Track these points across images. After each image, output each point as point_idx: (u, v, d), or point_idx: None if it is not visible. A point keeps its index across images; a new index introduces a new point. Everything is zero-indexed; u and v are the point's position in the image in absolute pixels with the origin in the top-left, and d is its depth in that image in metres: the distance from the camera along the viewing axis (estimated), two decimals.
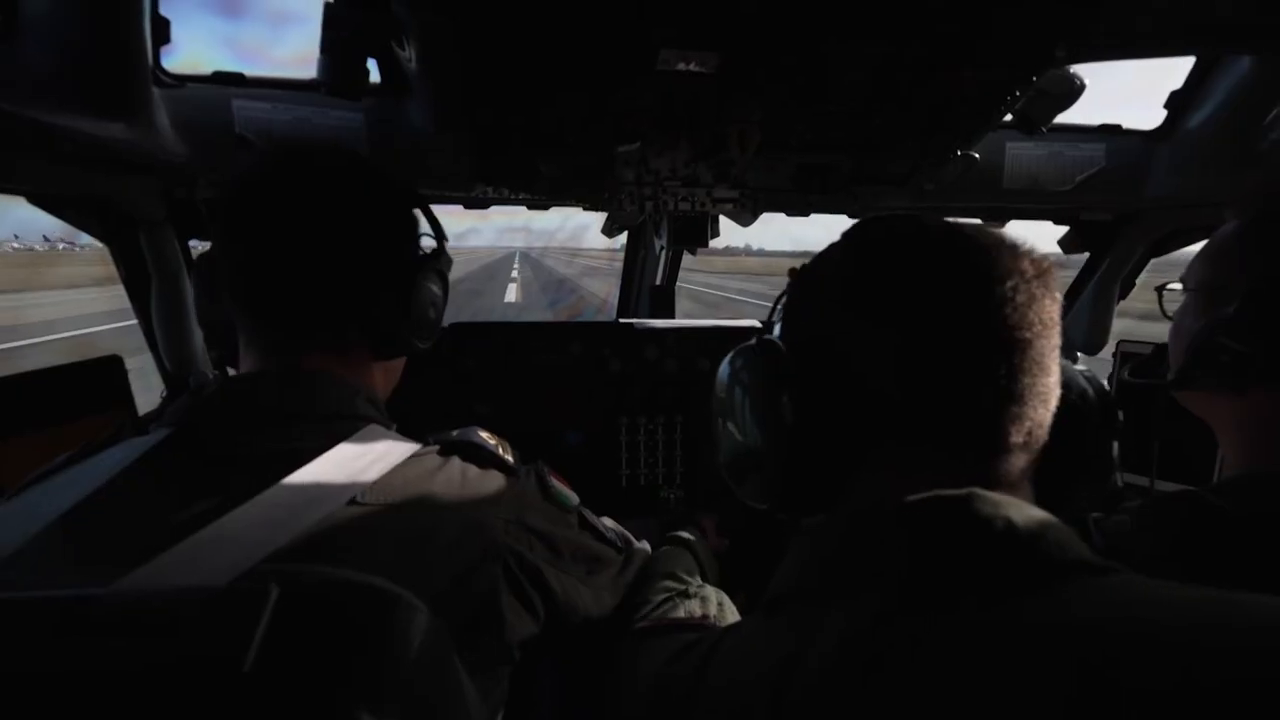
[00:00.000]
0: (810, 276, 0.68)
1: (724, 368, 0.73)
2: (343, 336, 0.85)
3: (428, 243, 0.95)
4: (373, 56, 1.07)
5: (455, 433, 0.86)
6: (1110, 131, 1.64)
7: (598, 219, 1.90)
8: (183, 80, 1.26)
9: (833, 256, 0.67)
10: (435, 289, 0.93)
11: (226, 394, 0.78)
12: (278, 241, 0.80)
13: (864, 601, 0.53)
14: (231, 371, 0.87)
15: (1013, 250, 0.59)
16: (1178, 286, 0.93)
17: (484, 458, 0.84)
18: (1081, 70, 1.22)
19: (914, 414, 0.59)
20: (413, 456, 0.78)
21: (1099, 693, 0.40)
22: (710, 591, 1.03)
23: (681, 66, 0.98)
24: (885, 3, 0.84)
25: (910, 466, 0.59)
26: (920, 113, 1.15)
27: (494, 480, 0.83)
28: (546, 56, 0.97)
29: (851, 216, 1.79)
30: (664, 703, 0.69)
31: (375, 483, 0.71)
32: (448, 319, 1.10)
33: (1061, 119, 1.32)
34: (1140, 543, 0.83)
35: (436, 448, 0.82)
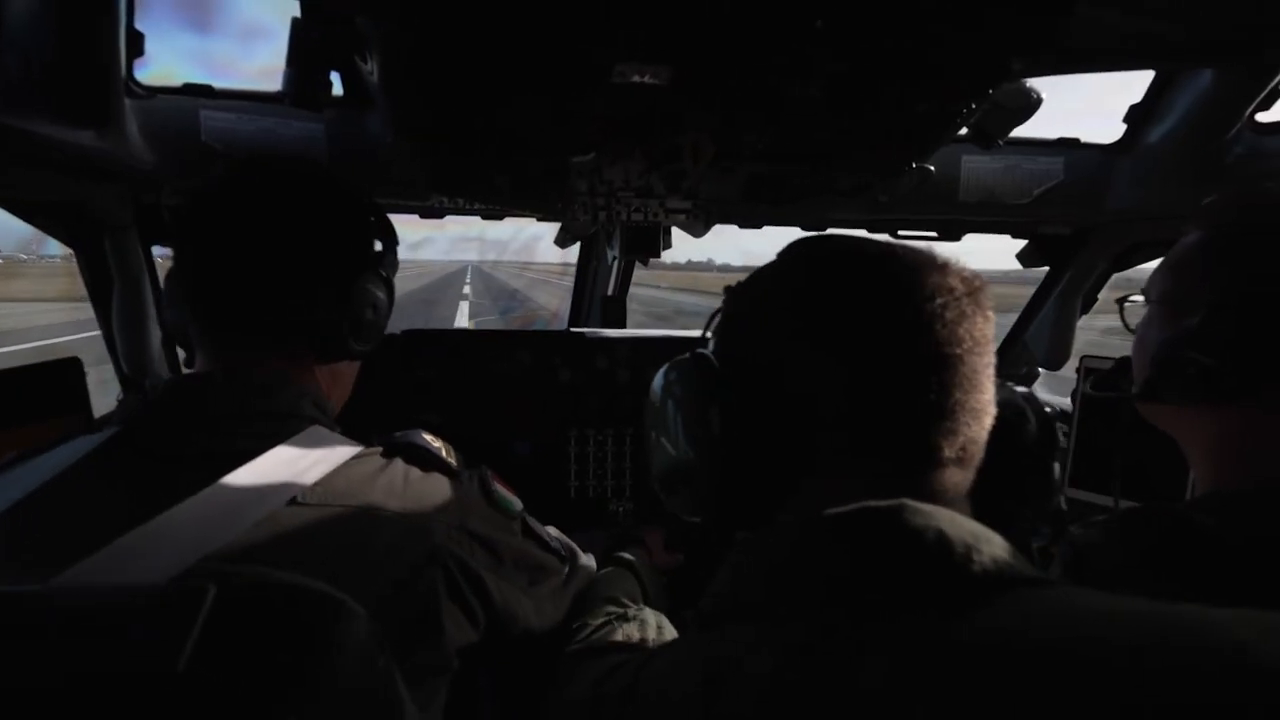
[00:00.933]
0: (745, 294, 0.69)
1: (657, 380, 0.73)
2: (289, 340, 0.86)
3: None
4: (336, 69, 1.09)
5: (399, 434, 0.86)
6: (1069, 145, 1.64)
7: (550, 230, 1.90)
8: (153, 91, 1.32)
9: (767, 274, 0.67)
10: (379, 293, 0.93)
11: (174, 394, 0.80)
12: (226, 246, 0.82)
13: (797, 615, 0.53)
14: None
15: (943, 268, 0.60)
16: (1140, 299, 0.91)
17: (427, 460, 0.84)
18: (1039, 84, 1.18)
19: (845, 429, 0.59)
20: (355, 458, 0.78)
21: (1033, 713, 0.40)
22: (649, 615, 1.01)
23: (636, 78, 0.95)
24: (838, 19, 0.81)
25: (842, 481, 0.59)
26: (874, 125, 1.12)
27: (437, 483, 0.83)
28: (504, 68, 0.95)
29: (805, 229, 1.78)
30: None
31: (316, 484, 0.72)
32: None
33: (1019, 132, 1.29)
34: (1110, 555, 0.80)
35: (379, 449, 0.83)
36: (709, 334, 0.73)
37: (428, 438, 0.87)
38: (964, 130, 1.20)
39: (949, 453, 0.58)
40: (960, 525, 0.53)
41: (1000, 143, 1.30)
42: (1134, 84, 1.43)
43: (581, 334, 1.81)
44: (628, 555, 1.28)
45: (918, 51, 0.89)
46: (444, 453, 0.86)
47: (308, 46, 1.00)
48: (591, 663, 0.83)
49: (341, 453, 0.77)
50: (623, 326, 2.07)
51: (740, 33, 0.86)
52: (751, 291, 0.68)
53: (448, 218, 1.76)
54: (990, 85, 1.00)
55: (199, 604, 0.49)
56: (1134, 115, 1.54)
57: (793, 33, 0.85)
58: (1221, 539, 0.75)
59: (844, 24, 0.83)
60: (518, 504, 0.95)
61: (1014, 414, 0.70)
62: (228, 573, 0.56)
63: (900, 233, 1.78)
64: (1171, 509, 0.81)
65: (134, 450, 0.73)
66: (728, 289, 0.71)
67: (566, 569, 1.06)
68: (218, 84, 1.39)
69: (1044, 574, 0.52)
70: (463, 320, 19.91)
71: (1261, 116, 1.35)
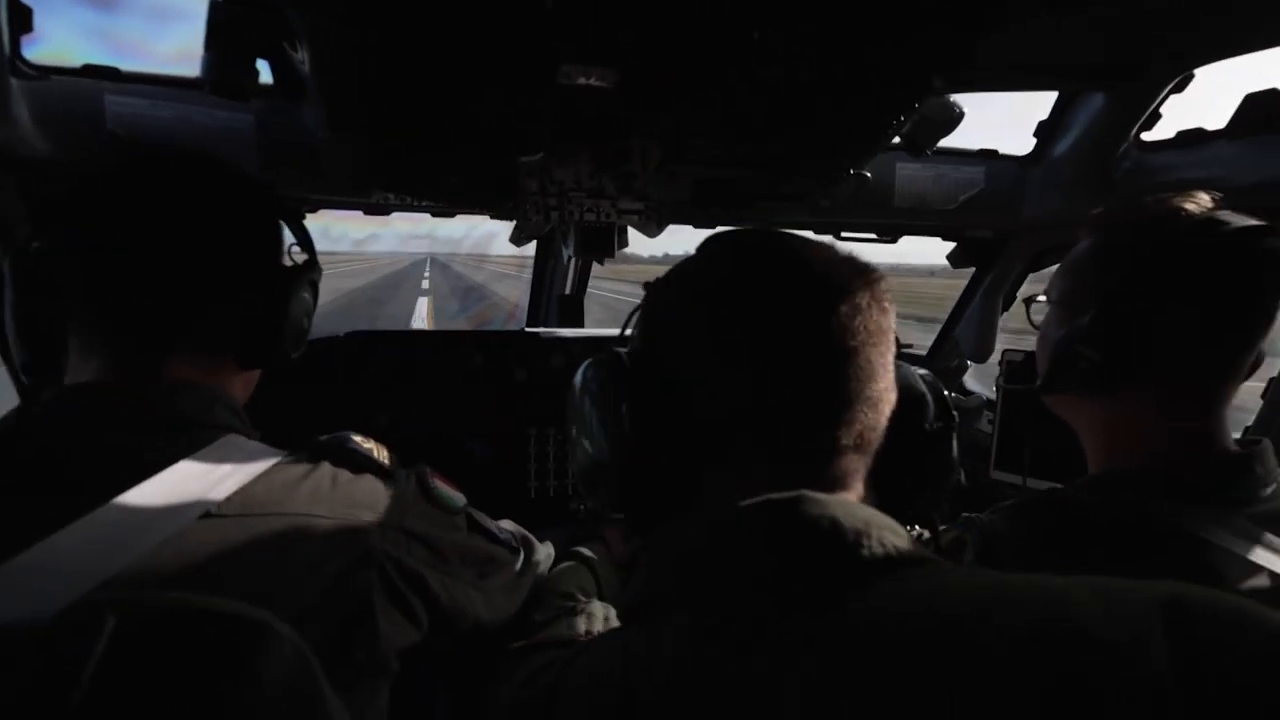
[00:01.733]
0: (659, 289, 0.71)
1: (575, 378, 0.74)
2: (203, 344, 0.82)
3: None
4: (263, 57, 1.03)
5: (326, 438, 0.82)
6: (988, 156, 1.76)
7: (505, 227, 1.89)
8: (47, 72, 1.19)
9: (679, 270, 0.70)
10: (306, 297, 0.91)
11: (66, 403, 0.73)
12: (133, 244, 0.77)
13: (706, 604, 0.55)
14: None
15: (844, 263, 0.64)
16: (1044, 299, 1.01)
17: (357, 462, 0.80)
18: (963, 100, 1.31)
19: (748, 423, 0.61)
20: (277, 465, 0.74)
21: (913, 689, 0.43)
22: (598, 608, 1.04)
23: (582, 81, 0.99)
24: (775, 33, 0.88)
25: (748, 472, 0.61)
26: (813, 134, 1.20)
27: (368, 485, 0.79)
28: (445, 66, 0.96)
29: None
30: None
31: (233, 494, 0.67)
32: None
33: (947, 143, 1.41)
34: (1014, 540, 0.89)
35: (304, 454, 0.78)
36: (629, 330, 0.75)
37: (357, 439, 0.83)
38: (897, 140, 1.32)
39: (846, 440, 0.61)
40: (854, 512, 0.56)
41: (929, 152, 1.41)
42: (1047, 100, 1.57)
43: (537, 333, 1.81)
44: (584, 551, 1.29)
45: (850, 66, 0.98)
46: (376, 453, 0.83)
47: (229, 31, 0.95)
48: (528, 658, 0.84)
49: (262, 460, 0.73)
50: (580, 325, 2.08)
51: (685, 42, 0.91)
52: (665, 287, 0.70)
53: (395, 214, 1.73)
54: (916, 99, 1.11)
55: (95, 636, 0.46)
56: (1042, 131, 1.67)
57: (734, 45, 0.91)
58: (1103, 515, 0.85)
59: (780, 38, 0.90)
60: (460, 499, 0.93)
61: (913, 397, 0.73)
62: (128, 600, 0.50)
63: (843, 235, 1.87)
64: (1065, 492, 0.91)
65: (18, 467, 0.66)
66: (646, 285, 0.73)
67: (520, 559, 1.05)
68: (125, 66, 1.27)
69: (931, 555, 0.56)
70: (421, 318, 18.96)
71: (1147, 135, 1.50)
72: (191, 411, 0.76)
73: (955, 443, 0.77)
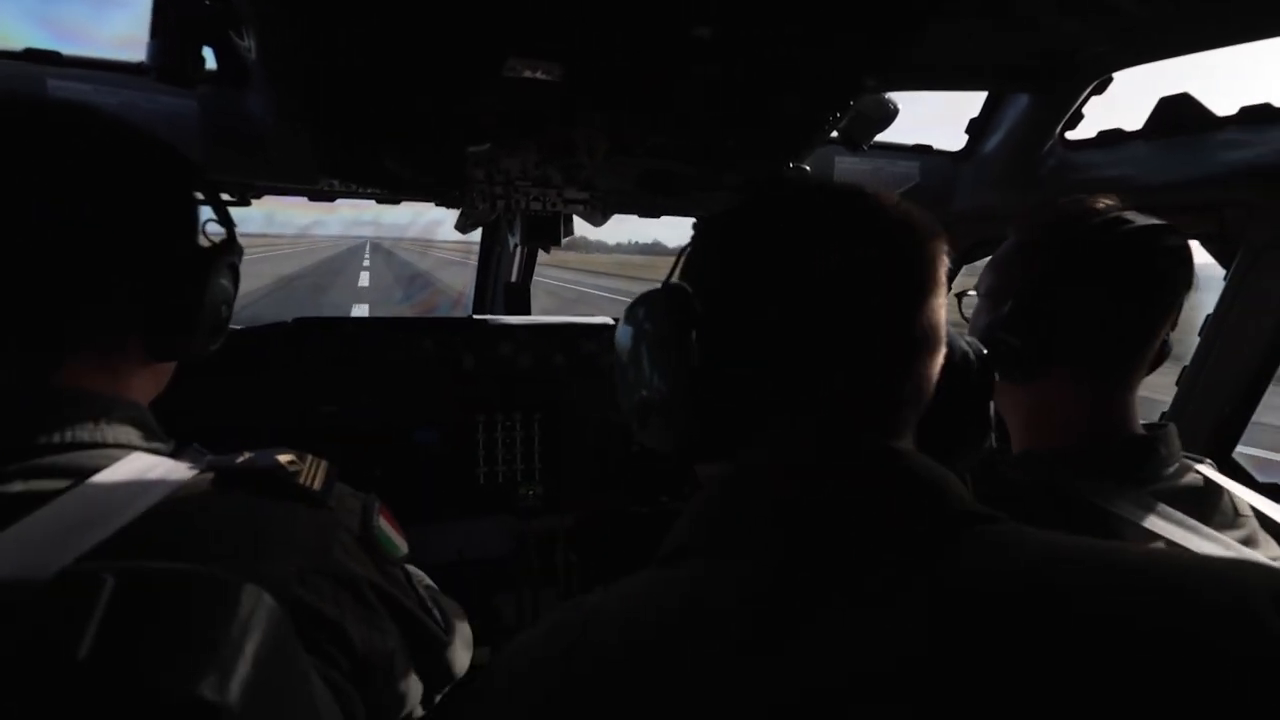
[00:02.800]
0: (715, 229, 0.69)
1: (628, 314, 0.71)
2: (102, 336, 0.71)
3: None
4: (208, 44, 1.01)
5: (246, 456, 0.70)
6: (923, 151, 1.83)
7: (450, 214, 1.88)
8: None
9: (741, 210, 0.67)
10: (224, 283, 0.81)
11: None
12: (13, 218, 0.65)
13: (772, 552, 0.52)
14: None
15: (915, 209, 0.62)
16: (974, 293, 1.07)
17: (277, 487, 0.68)
18: (898, 97, 1.36)
19: (814, 365, 0.59)
20: (176, 492, 0.63)
21: (1023, 653, 0.42)
22: None
23: (528, 74, 1.00)
24: (714, 31, 0.91)
25: (812, 416, 0.59)
26: (754, 129, 1.24)
27: (290, 516, 0.68)
28: (390, 56, 0.96)
29: (699, 219, 1.88)
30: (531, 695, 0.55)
31: (114, 536, 0.56)
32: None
33: (884, 137, 1.46)
34: None
35: (212, 476, 0.66)
36: (676, 273, 0.71)
37: (286, 458, 0.71)
38: (835, 134, 1.36)
39: (908, 391, 0.60)
40: (928, 464, 0.55)
41: (865, 147, 1.47)
42: (979, 97, 1.63)
43: (484, 321, 1.81)
44: None
45: (785, 64, 1.02)
46: (305, 475, 0.71)
47: (174, 18, 0.94)
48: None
49: (156, 488, 0.62)
50: (527, 313, 2.09)
51: (627, 38, 0.93)
52: (727, 226, 0.68)
53: (339, 200, 1.70)
54: (850, 96, 1.15)
55: (97, 592, 0.46)
56: (973, 128, 1.74)
57: (675, 42, 0.94)
58: (1018, 483, 0.92)
59: (718, 37, 0.93)
60: (402, 548, 0.80)
61: (959, 356, 0.71)
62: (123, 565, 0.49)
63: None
64: (992, 468, 0.97)
65: None
66: (696, 223, 0.71)
67: (450, 641, 0.87)
68: (66, 51, 1.25)
69: (996, 512, 0.53)
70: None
71: (1071, 134, 1.58)
72: (76, 431, 0.64)
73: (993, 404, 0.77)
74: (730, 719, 0.45)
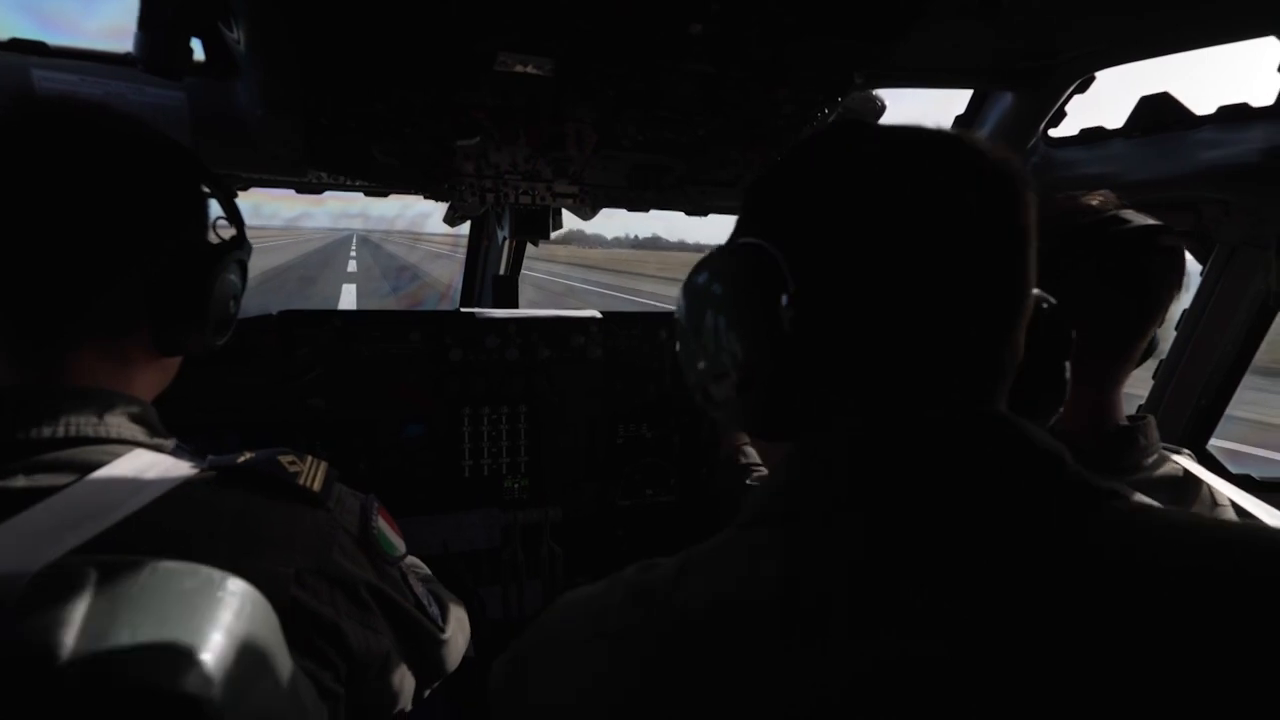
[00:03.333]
0: (794, 178, 0.60)
1: (697, 276, 0.64)
2: (110, 331, 0.72)
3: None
4: (196, 36, 1.01)
5: (247, 455, 0.71)
6: None
7: (439, 207, 1.88)
8: None
9: (817, 157, 0.59)
10: (232, 278, 0.81)
11: None
12: (25, 213, 0.66)
13: (892, 516, 0.48)
14: None
15: (1005, 153, 0.56)
16: None
17: (277, 487, 0.69)
18: (884, 93, 1.37)
19: (919, 327, 0.54)
20: (177, 488, 0.64)
21: (1175, 635, 0.39)
22: None
23: (519, 69, 1.00)
24: (705, 27, 0.92)
25: (913, 382, 0.54)
26: (741, 124, 1.25)
27: (287, 515, 0.69)
28: (381, 49, 0.96)
29: (689, 214, 1.89)
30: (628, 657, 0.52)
31: (116, 526, 0.57)
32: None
33: None
34: None
35: (214, 474, 0.67)
36: (740, 234, 0.63)
37: (287, 460, 0.72)
38: None
39: (1008, 354, 0.56)
40: (1042, 433, 0.51)
41: None
42: (964, 94, 1.65)
43: (472, 314, 1.81)
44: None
45: (776, 61, 1.03)
46: (305, 476, 0.72)
47: (162, 9, 0.93)
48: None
49: (158, 483, 0.62)
50: (515, 305, 2.09)
51: (619, 35, 0.94)
52: (804, 177, 0.59)
53: (328, 193, 1.68)
54: (839, 93, 1.17)
55: (81, 585, 0.47)
56: (959, 125, 1.74)
57: (667, 39, 0.95)
58: None
59: (711, 35, 0.94)
60: (400, 548, 0.82)
61: (1040, 318, 0.65)
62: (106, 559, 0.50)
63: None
64: None
65: None
66: (759, 180, 0.63)
67: (445, 638, 0.89)
68: (52, 41, 1.22)
69: (1115, 485, 0.50)
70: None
71: (1054, 132, 1.60)
72: (80, 426, 0.65)
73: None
74: (826, 686, 0.42)
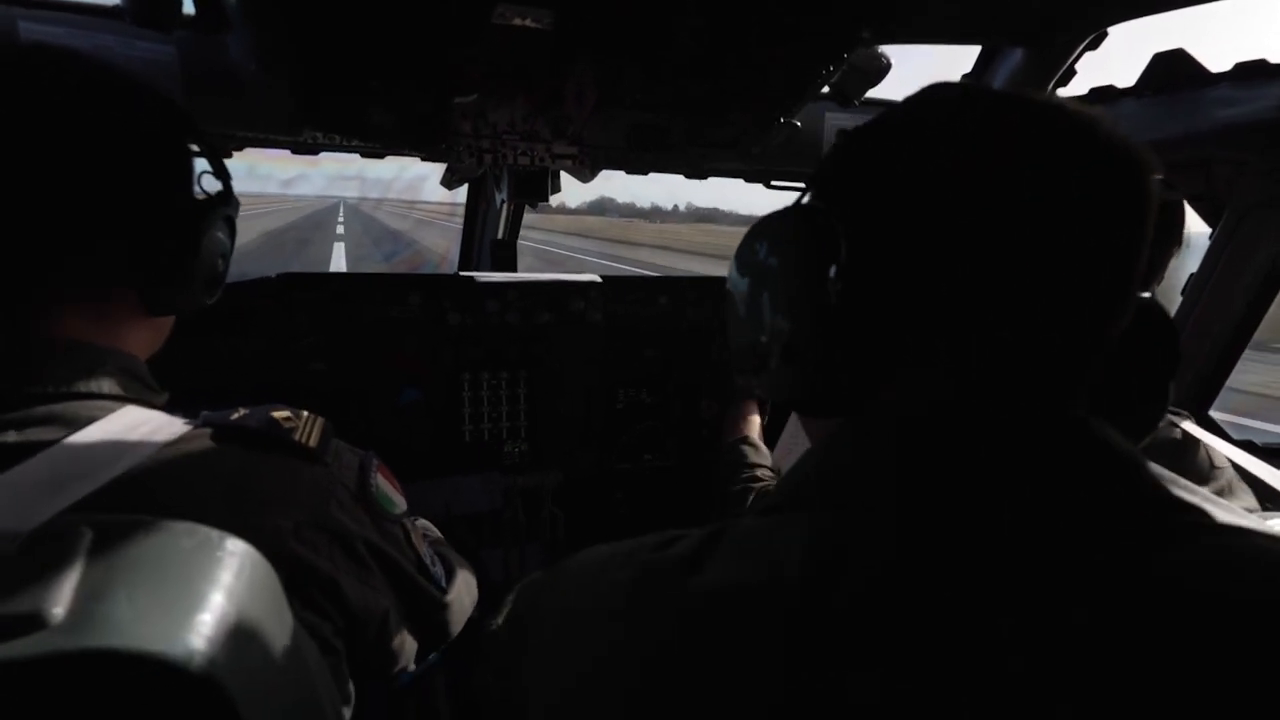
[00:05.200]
0: (873, 140, 0.56)
1: (750, 240, 0.60)
2: (94, 288, 0.70)
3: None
4: None
5: (242, 412, 0.70)
6: None
7: (436, 170, 1.85)
8: None
9: (905, 117, 0.55)
10: (220, 235, 0.79)
11: None
12: (3, 165, 0.63)
13: (939, 518, 0.43)
14: None
15: (1124, 134, 0.50)
16: None
17: (273, 442, 0.68)
18: (890, 50, 1.34)
19: (996, 305, 0.49)
20: (171, 444, 0.62)
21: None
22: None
23: (517, 21, 0.98)
24: None
25: (989, 375, 0.49)
26: (743, 82, 1.22)
27: (283, 470, 0.68)
28: (375, 3, 0.93)
29: (688, 176, 1.86)
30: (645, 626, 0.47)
31: (110, 484, 0.56)
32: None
33: (875, 93, 1.44)
34: None
35: (208, 431, 0.66)
36: (808, 194, 0.60)
37: (281, 415, 0.71)
38: (826, 90, 1.35)
39: (1096, 360, 0.51)
40: (1121, 439, 0.46)
41: (857, 103, 1.46)
42: (971, 53, 1.61)
43: (471, 278, 1.79)
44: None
45: (779, 14, 1.00)
46: (301, 432, 0.71)
47: None
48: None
49: (151, 440, 0.61)
50: (514, 270, 2.07)
51: None
52: (884, 139, 0.55)
53: (323, 154, 1.64)
54: (845, 50, 1.14)
55: (76, 546, 0.47)
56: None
57: None
58: None
59: None
60: (400, 504, 0.81)
61: (1142, 317, 0.60)
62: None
63: (773, 183, 1.90)
64: None
65: None
66: (842, 133, 0.58)
67: (449, 601, 0.88)
68: None
69: (1196, 502, 0.45)
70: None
71: (1063, 91, 1.56)
72: (69, 382, 0.63)
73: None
74: (841, 702, 0.38)
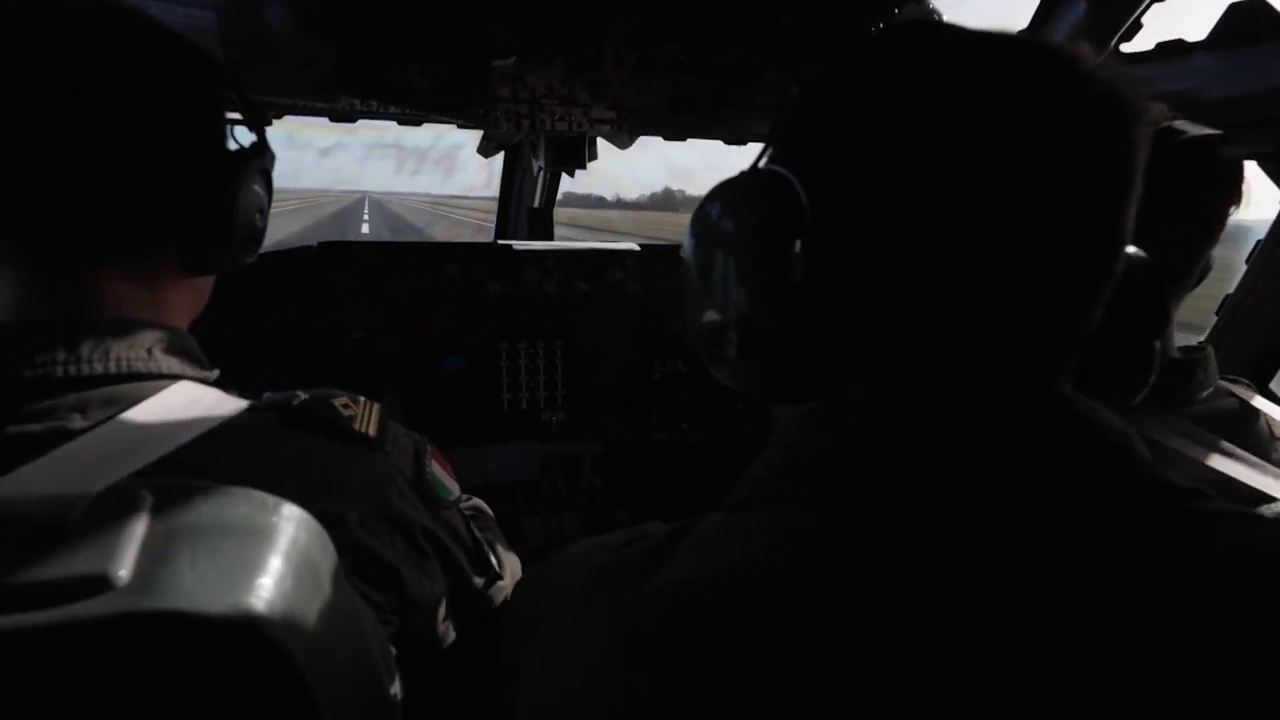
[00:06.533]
0: (832, 92, 0.50)
1: (707, 207, 0.54)
2: (137, 251, 0.67)
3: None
4: None
5: (303, 397, 0.69)
6: None
7: (471, 138, 1.84)
8: None
9: (870, 65, 0.49)
10: (256, 189, 0.75)
11: None
12: (38, 110, 0.60)
13: (917, 499, 0.41)
14: None
15: (1117, 76, 0.45)
16: None
17: (335, 430, 0.68)
18: (941, 5, 1.28)
19: (973, 285, 0.45)
20: (235, 426, 0.62)
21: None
22: None
23: None
24: None
25: (957, 347, 0.46)
26: (787, 40, 1.18)
27: (351, 459, 0.68)
28: None
29: (727, 142, 1.83)
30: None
31: (171, 458, 0.56)
32: None
33: None
34: None
35: (273, 416, 0.65)
36: (765, 158, 0.54)
37: (339, 403, 0.71)
38: None
39: (1080, 328, 0.47)
40: (1113, 420, 0.43)
41: None
42: (1028, 6, 1.53)
43: (509, 246, 1.79)
44: None
45: None
46: (360, 420, 0.71)
47: None
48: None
49: (207, 419, 0.60)
50: (550, 239, 2.06)
51: None
52: (844, 91, 0.49)
53: (360, 122, 1.65)
54: (895, 5, 1.09)
55: (138, 505, 0.47)
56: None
57: None
58: None
59: None
60: (454, 490, 0.81)
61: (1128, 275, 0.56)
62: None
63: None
64: None
65: None
66: (803, 86, 0.53)
67: (502, 588, 0.88)
68: None
69: (1194, 485, 0.42)
70: None
71: (1127, 47, 1.48)
72: (129, 360, 0.62)
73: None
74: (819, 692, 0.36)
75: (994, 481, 0.40)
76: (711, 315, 0.53)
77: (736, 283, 0.50)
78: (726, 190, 0.53)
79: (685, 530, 0.47)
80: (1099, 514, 0.39)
